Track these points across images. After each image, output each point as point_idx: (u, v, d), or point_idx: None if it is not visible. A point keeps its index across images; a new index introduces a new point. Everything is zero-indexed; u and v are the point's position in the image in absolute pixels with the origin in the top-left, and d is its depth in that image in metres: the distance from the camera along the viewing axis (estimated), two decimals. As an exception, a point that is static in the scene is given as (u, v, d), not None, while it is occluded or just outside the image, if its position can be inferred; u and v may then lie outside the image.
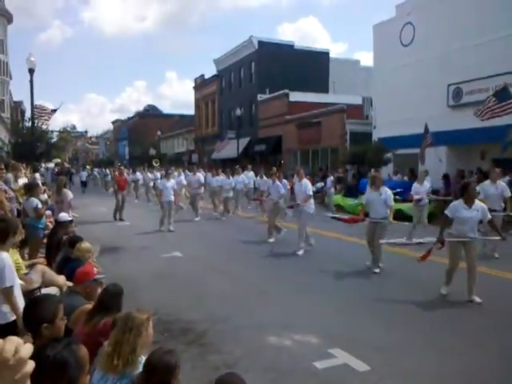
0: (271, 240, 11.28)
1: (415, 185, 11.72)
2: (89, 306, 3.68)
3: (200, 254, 9.85)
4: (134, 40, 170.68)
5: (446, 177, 17.72)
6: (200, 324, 5.49)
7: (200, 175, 16.70)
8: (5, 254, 3.60)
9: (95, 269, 4.42)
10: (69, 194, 9.69)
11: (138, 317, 2.83)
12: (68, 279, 4.76)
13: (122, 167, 19.49)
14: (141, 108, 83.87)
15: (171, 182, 13.39)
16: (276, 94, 32.99)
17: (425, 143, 17.14)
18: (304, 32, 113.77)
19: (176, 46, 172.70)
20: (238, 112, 33.38)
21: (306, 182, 10.42)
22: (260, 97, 35.39)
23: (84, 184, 30.47)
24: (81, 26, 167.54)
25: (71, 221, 7.27)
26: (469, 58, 18.06)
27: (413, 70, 20.84)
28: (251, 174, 20.64)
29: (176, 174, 18.04)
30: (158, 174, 23.20)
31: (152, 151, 47.89)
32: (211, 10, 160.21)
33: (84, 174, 32.17)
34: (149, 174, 23.44)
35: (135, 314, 2.84)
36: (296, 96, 31.71)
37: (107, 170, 34.12)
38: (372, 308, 6.14)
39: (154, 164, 28.92)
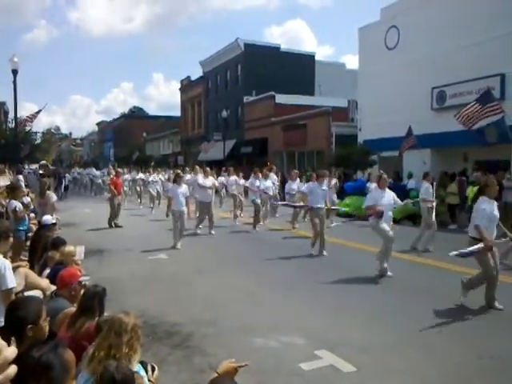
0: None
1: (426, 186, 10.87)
2: (73, 309, 3.64)
3: (187, 256, 9.82)
4: (121, 41, 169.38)
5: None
6: (185, 326, 5.47)
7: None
8: (1, 257, 3.61)
9: (79, 271, 4.38)
10: (52, 196, 9.59)
11: (131, 319, 2.80)
12: (51, 282, 4.70)
13: (119, 169, 17.55)
14: (127, 110, 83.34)
15: (183, 188, 11.26)
16: (262, 96, 33.06)
17: (406, 144, 17.33)
18: (291, 35, 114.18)
19: (163, 47, 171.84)
20: (225, 114, 33.36)
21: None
22: (246, 99, 35.42)
23: (66, 188, 27.88)
24: (67, 27, 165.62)
25: (55, 223, 7.19)
26: (453, 61, 18.31)
27: (398, 73, 21.07)
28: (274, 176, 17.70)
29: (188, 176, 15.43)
30: (161, 177, 20.93)
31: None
32: (199, 11, 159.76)
33: (67, 177, 30.06)
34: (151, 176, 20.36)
35: (125, 317, 2.81)
36: (282, 98, 31.82)
37: (98, 172, 31.33)
38: (358, 309, 6.18)
39: (150, 165, 27.43)
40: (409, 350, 4.78)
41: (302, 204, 11.83)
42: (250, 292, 6.99)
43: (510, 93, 16.11)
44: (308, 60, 37.65)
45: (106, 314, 3.41)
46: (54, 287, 4.39)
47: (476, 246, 5.88)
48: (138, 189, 21.51)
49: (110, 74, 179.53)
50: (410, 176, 18.43)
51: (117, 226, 14.31)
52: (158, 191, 19.48)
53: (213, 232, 12.73)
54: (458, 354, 4.65)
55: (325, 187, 10.17)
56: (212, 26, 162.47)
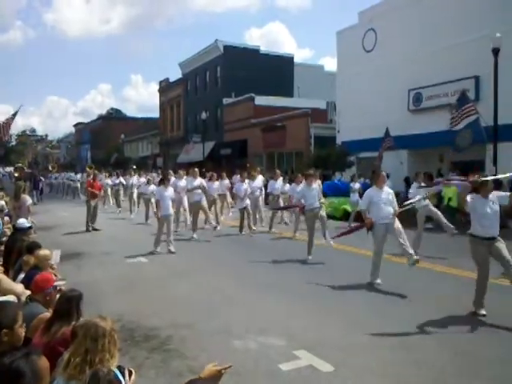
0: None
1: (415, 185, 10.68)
2: (48, 314, 3.58)
3: (166, 259, 9.75)
4: (99, 42, 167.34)
5: (406, 180, 18.19)
6: (164, 330, 5.43)
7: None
8: None
9: (54, 276, 4.31)
10: (27, 199, 9.41)
11: (108, 323, 2.77)
12: (26, 287, 4.61)
13: (97, 171, 16.73)
14: (104, 111, 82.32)
15: (170, 191, 10.90)
16: (241, 97, 33.09)
17: (384, 146, 17.60)
18: (271, 37, 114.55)
19: (142, 48, 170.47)
20: (204, 116, 33.26)
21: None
22: (225, 100, 35.40)
23: (41, 191, 27.00)
24: (43, 28, 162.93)
25: (30, 227, 7.06)
26: (428, 63, 18.66)
27: (375, 75, 21.36)
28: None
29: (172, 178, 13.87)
30: (142, 180, 19.67)
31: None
32: (178, 13, 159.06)
33: (43, 180, 29.10)
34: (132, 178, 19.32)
35: (101, 321, 2.77)
36: (261, 100, 31.93)
37: (78, 175, 29.88)
38: (336, 308, 6.23)
39: (131, 168, 26.75)
40: (386, 349, 4.83)
41: (295, 204, 11.33)
42: (229, 294, 6.99)
43: (484, 94, 16.47)
44: (287, 62, 37.86)
45: (82, 318, 3.36)
46: (28, 292, 4.32)
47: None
48: (121, 193, 20.70)
49: (87, 75, 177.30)
50: (388, 176, 18.63)
51: (94, 229, 14.02)
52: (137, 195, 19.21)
53: (195, 236, 12.28)
54: (434, 353, 4.73)
55: (314, 187, 9.90)
56: (191, 28, 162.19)
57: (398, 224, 7.45)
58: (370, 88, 21.50)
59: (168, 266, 9.14)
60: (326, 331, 5.35)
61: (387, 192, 7.68)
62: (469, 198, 5.98)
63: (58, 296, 3.79)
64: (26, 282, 4.60)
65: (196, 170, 13.29)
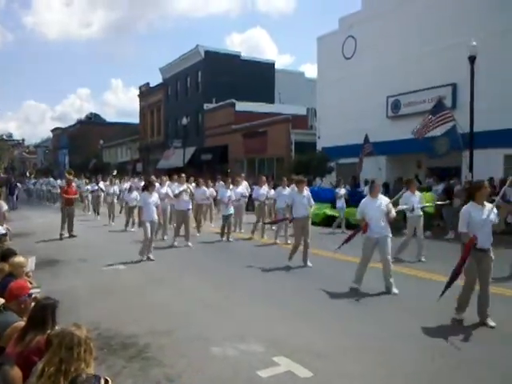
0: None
1: (407, 194, 10.21)
2: (22, 323, 3.50)
3: (144, 266, 9.64)
4: (78, 46, 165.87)
5: (385, 185, 18.42)
6: (142, 338, 5.36)
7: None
8: None
9: (29, 283, 4.23)
10: (2, 205, 9.22)
11: (83, 332, 2.72)
12: (0, 295, 4.51)
13: (71, 177, 15.62)
14: (83, 116, 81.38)
15: (154, 197, 10.56)
16: (222, 103, 33.12)
17: (363, 152, 17.83)
18: (252, 43, 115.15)
19: (122, 53, 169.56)
20: (184, 121, 33.15)
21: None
22: (206, 106, 35.39)
23: (16, 197, 26.16)
24: (22, 31, 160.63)
25: (5, 234, 6.92)
26: (407, 71, 19.00)
27: (355, 82, 21.64)
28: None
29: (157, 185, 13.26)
30: (125, 186, 19.82)
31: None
32: (159, 18, 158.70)
33: (19, 186, 28.48)
34: (113, 187, 19.05)
35: (76, 330, 2.72)
36: (242, 106, 32.02)
37: (58, 181, 28.59)
38: (316, 314, 6.25)
39: (111, 174, 26.40)
40: (365, 355, 4.86)
41: (284, 217, 11.20)
42: (208, 301, 6.94)
43: (460, 102, 16.81)
44: (268, 68, 38.10)
45: (58, 327, 3.30)
46: (2, 300, 4.22)
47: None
48: (101, 200, 20.43)
49: (66, 79, 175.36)
50: (367, 183, 18.88)
51: (71, 235, 13.72)
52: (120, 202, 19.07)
53: (189, 244, 12.00)
54: (412, 358, 4.77)
55: (305, 194, 9.58)
56: (172, 33, 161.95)
57: (388, 255, 7.31)
58: (350, 95, 21.76)
59: (146, 273, 9.04)
60: (305, 337, 5.36)
61: (381, 202, 7.46)
62: (464, 207, 5.84)
63: (32, 304, 3.72)
64: (0, 290, 4.50)
65: (183, 175, 13.02)
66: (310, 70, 54.89)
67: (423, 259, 9.80)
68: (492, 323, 5.57)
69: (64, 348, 2.62)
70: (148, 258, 10.16)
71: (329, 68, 23.85)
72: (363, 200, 7.74)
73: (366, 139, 17.85)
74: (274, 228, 14.18)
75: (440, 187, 14.84)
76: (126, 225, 15.58)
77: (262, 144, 28.41)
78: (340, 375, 4.38)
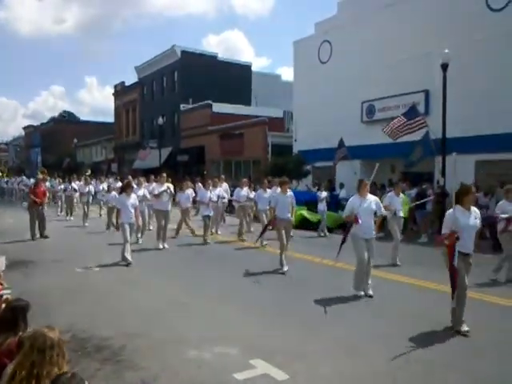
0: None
1: (391, 195, 10.52)
2: (-8, 325, 3.41)
3: (119, 269, 9.49)
4: (52, 43, 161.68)
5: (360, 189, 18.66)
6: (116, 340, 5.28)
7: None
8: None
9: (0, 284, 4.12)
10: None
11: (56, 334, 2.66)
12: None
13: (41, 176, 15.08)
14: (57, 114, 79.74)
15: (133, 199, 10.29)
16: (199, 104, 33.00)
17: (338, 156, 18.01)
18: (229, 45, 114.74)
19: (97, 51, 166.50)
20: (160, 121, 32.88)
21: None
22: (183, 106, 35.19)
23: None
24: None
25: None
26: (381, 76, 19.30)
27: (330, 86, 21.85)
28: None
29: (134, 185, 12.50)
30: (102, 186, 19.37)
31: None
32: (135, 16, 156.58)
33: None
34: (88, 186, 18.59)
35: (49, 332, 2.66)
36: (219, 107, 31.97)
37: (31, 180, 26.81)
38: (292, 316, 6.26)
39: (85, 173, 25.60)
40: (342, 358, 4.90)
41: (266, 224, 10.93)
42: (184, 303, 6.89)
43: (433, 108, 17.17)
44: (245, 70, 38.15)
45: (30, 329, 3.22)
46: (-29, 302, 4.11)
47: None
48: (74, 200, 19.99)
49: (39, 76, 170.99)
50: (342, 186, 19.12)
51: (44, 236, 13.39)
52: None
53: (166, 246, 11.96)
54: (387, 360, 4.83)
55: (289, 194, 9.45)
56: (147, 32, 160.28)
57: (373, 258, 7.34)
58: (326, 99, 21.97)
59: (122, 275, 8.91)
60: (282, 339, 5.37)
61: (370, 201, 7.40)
62: (450, 210, 5.77)
63: (3, 306, 3.63)
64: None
65: (164, 175, 12.74)
66: (287, 73, 55.26)
67: (398, 263, 9.86)
68: (466, 328, 5.57)
69: (36, 350, 2.56)
70: (125, 260, 9.79)
71: (305, 72, 24.02)
72: (351, 199, 7.59)
73: (341, 143, 18.04)
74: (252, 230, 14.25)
75: (413, 192, 15.14)
76: (108, 226, 15.20)
77: (238, 146, 28.42)
78: (317, 379, 4.41)
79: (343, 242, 7.57)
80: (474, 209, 5.85)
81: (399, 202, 10.31)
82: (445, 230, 5.69)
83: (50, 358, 2.57)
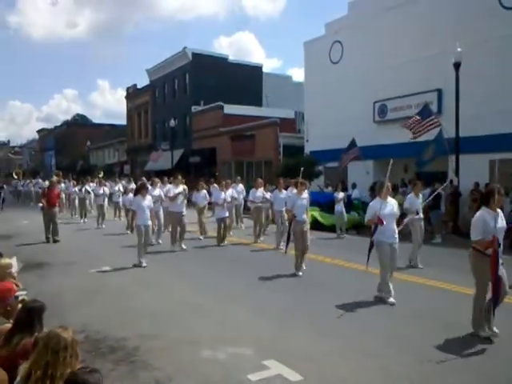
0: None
1: (411, 196, 10.20)
2: (8, 325, 3.45)
3: (134, 270, 9.51)
4: (65, 47, 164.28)
5: (372, 189, 18.54)
6: (130, 341, 5.30)
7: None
8: None
9: (15, 286, 4.16)
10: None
11: (69, 334, 2.67)
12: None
13: (56, 178, 15.28)
14: (70, 117, 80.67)
15: (148, 200, 10.25)
16: (210, 105, 33.09)
17: (349, 155, 17.92)
18: (240, 46, 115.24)
19: (109, 54, 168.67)
20: (172, 123, 33.04)
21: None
22: (194, 108, 35.31)
23: (3, 200, 25.88)
24: (6, 30, 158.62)
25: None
26: (393, 76, 19.15)
27: (342, 86, 21.75)
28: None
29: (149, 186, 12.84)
30: (117, 187, 19.18)
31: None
32: (146, 20, 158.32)
33: (5, 188, 27.82)
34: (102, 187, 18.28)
35: (62, 332, 2.68)
36: (230, 109, 32.01)
37: (46, 182, 26.65)
38: (304, 317, 6.24)
39: (98, 175, 25.37)
40: (355, 358, 4.86)
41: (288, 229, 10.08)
42: (198, 304, 6.90)
43: (446, 107, 17.00)
44: (256, 71, 38.16)
45: (45, 330, 3.25)
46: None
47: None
48: (87, 202, 19.97)
49: (52, 79, 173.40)
50: (354, 186, 19.00)
51: (55, 240, 13.29)
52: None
53: (184, 246, 11.91)
54: (400, 360, 4.79)
55: (305, 196, 9.27)
56: (159, 36, 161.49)
57: (396, 264, 7.18)
58: (337, 99, 21.88)
59: (136, 276, 8.94)
60: (295, 340, 5.35)
61: (392, 206, 7.22)
62: (478, 213, 5.42)
63: (19, 307, 3.67)
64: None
65: (179, 177, 12.71)
66: (298, 74, 55.20)
67: (420, 265, 9.56)
68: (496, 330, 5.38)
69: (50, 351, 2.58)
70: (140, 263, 9.79)
71: (316, 72, 23.95)
72: (373, 202, 7.33)
73: (353, 143, 17.95)
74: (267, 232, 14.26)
75: (427, 192, 14.98)
76: (128, 227, 15.24)
77: (250, 147, 28.43)
78: (331, 379, 4.38)
79: (371, 247, 7.25)
80: (499, 211, 5.54)
81: (419, 203, 10.04)
82: (476, 235, 5.30)
83: (64, 359, 2.59)
